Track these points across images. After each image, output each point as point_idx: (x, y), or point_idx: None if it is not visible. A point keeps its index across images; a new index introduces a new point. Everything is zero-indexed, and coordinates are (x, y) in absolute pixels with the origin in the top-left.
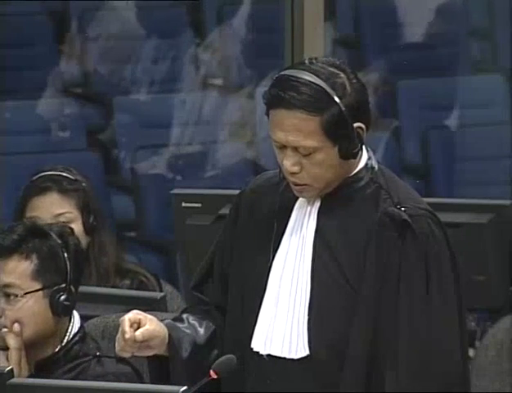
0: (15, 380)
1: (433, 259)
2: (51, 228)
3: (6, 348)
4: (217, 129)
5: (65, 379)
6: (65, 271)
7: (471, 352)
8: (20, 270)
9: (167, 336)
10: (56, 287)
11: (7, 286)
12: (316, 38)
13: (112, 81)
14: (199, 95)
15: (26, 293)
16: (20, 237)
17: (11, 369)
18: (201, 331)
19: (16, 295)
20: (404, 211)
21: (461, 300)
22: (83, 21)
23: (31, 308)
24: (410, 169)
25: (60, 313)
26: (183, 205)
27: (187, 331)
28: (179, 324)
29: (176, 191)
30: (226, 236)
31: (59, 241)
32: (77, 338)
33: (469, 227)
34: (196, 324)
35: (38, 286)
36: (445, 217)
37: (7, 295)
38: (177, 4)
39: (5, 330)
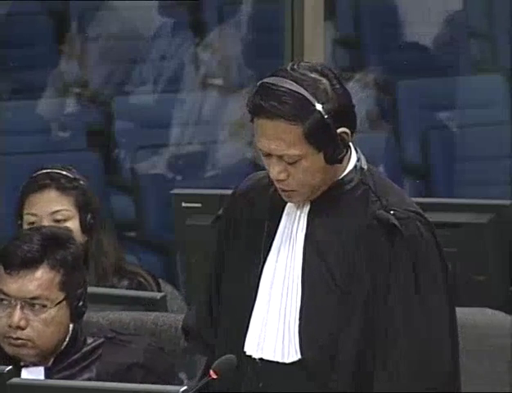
0: (15, 380)
1: (421, 260)
2: (68, 237)
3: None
4: (217, 129)
5: (80, 368)
6: (83, 277)
7: None
8: (47, 281)
9: None
10: (77, 295)
11: (35, 298)
12: (316, 38)
13: (112, 81)
14: (199, 95)
15: (56, 304)
16: (43, 247)
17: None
18: None
19: (44, 306)
20: (393, 215)
21: (451, 300)
22: (83, 21)
23: (56, 318)
24: (410, 169)
25: (77, 318)
26: (183, 205)
27: None
28: None
29: (176, 191)
30: (218, 257)
31: (78, 249)
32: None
33: (469, 227)
34: None
35: (63, 295)
36: (445, 217)
37: (33, 305)
38: (177, 4)
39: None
